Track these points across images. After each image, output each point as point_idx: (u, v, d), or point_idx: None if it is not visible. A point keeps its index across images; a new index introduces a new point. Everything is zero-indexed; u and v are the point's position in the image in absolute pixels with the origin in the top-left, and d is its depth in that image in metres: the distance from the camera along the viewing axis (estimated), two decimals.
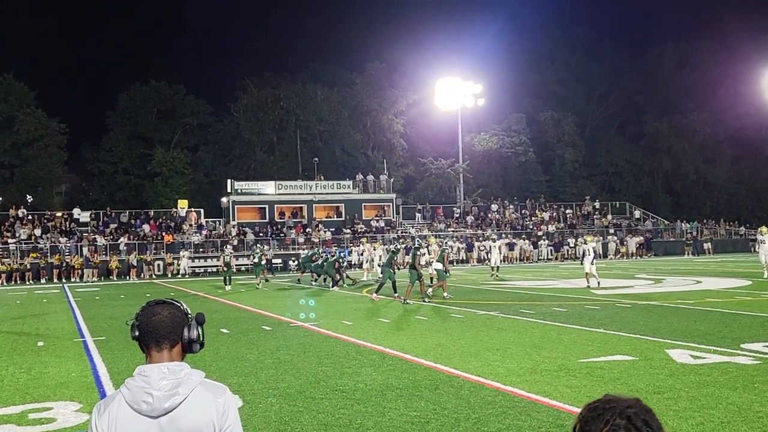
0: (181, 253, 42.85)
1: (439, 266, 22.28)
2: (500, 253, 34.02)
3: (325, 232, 49.19)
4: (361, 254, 37.88)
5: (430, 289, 21.76)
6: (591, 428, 1.91)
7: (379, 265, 31.65)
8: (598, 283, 23.76)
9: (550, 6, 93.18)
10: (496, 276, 31.08)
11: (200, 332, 2.73)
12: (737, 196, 73.54)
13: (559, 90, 74.90)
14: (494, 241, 34.44)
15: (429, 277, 23.19)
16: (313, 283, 30.40)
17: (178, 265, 42.25)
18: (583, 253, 25.23)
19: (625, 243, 51.67)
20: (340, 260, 29.59)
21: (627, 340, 12.26)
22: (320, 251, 33.78)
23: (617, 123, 78.83)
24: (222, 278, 30.10)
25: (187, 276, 40.90)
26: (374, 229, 50.69)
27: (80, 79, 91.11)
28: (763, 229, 27.52)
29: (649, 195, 72.21)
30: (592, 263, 24.15)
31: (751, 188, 73.70)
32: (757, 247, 29.13)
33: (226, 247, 33.63)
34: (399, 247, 30.10)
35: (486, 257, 44.35)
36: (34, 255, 40.75)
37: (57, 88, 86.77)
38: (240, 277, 36.42)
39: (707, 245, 52.63)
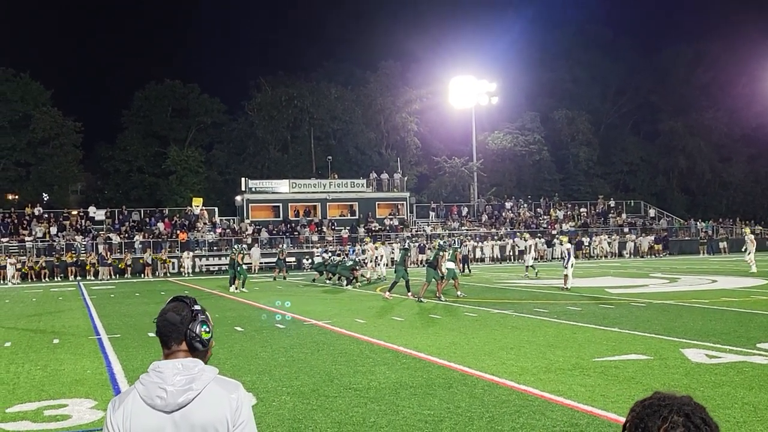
0: (184, 253, 42.62)
1: (452, 265, 22.28)
2: (533, 252, 33.51)
3: (342, 230, 49.12)
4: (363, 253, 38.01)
5: (459, 292, 21.69)
6: (647, 425, 1.89)
7: (381, 264, 31.92)
8: (569, 287, 22.88)
9: (565, 4, 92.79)
10: (537, 274, 30.48)
11: (201, 330, 2.72)
12: (753, 195, 72.98)
13: (574, 88, 74.55)
14: (526, 240, 34.38)
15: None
16: (327, 281, 30.44)
17: (182, 265, 42.03)
18: (561, 254, 24.57)
19: (659, 242, 51.49)
20: (356, 267, 29.61)
21: (642, 339, 12.19)
22: (335, 253, 33.85)
23: (632, 121, 78.40)
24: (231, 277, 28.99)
25: (190, 275, 40.85)
26: (388, 228, 50.69)
27: (95, 79, 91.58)
28: (747, 230, 33.21)
29: (664, 194, 71.76)
30: (567, 265, 23.30)
31: (767, 187, 73.12)
32: (744, 246, 32.54)
33: (235, 246, 33.06)
34: (411, 245, 30.20)
35: (515, 255, 45.48)
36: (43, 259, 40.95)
37: (73, 87, 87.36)
38: (253, 276, 36.47)
39: (723, 244, 52.27)
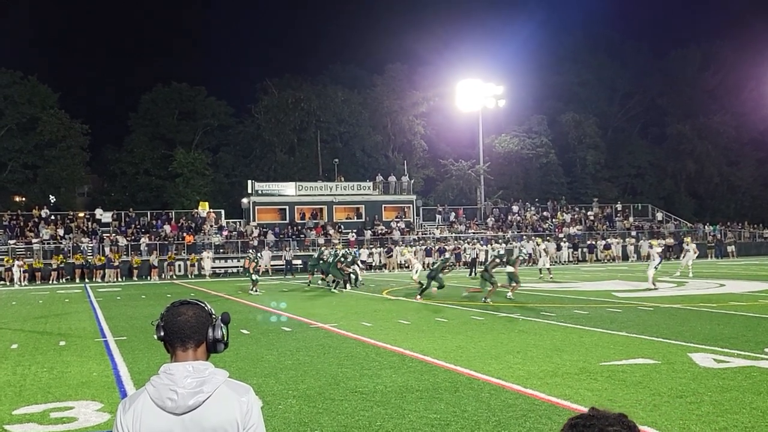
0: (204, 254, 42.54)
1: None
2: (547, 254, 33.91)
3: (349, 233, 49.05)
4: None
5: (486, 300, 21.82)
6: None
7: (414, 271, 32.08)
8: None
9: (573, 7, 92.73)
10: (551, 278, 30.62)
11: (224, 332, 2.78)
12: (762, 199, 72.69)
13: (581, 91, 74.46)
14: (538, 244, 34.45)
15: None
16: (320, 282, 30.38)
17: (201, 267, 41.81)
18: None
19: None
20: (341, 260, 28.07)
21: (649, 343, 12.14)
22: (324, 250, 33.32)
23: (640, 125, 78.25)
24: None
25: (208, 277, 40.80)
26: (395, 231, 50.60)
27: (103, 81, 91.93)
28: (688, 239, 34.54)
29: (672, 197, 71.55)
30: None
31: None
32: (682, 254, 34.03)
33: (264, 249, 32.42)
34: (450, 255, 31.11)
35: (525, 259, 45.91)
36: (59, 259, 40.87)
37: (80, 90, 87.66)
38: (262, 279, 36.39)
39: (731, 248, 52.04)
